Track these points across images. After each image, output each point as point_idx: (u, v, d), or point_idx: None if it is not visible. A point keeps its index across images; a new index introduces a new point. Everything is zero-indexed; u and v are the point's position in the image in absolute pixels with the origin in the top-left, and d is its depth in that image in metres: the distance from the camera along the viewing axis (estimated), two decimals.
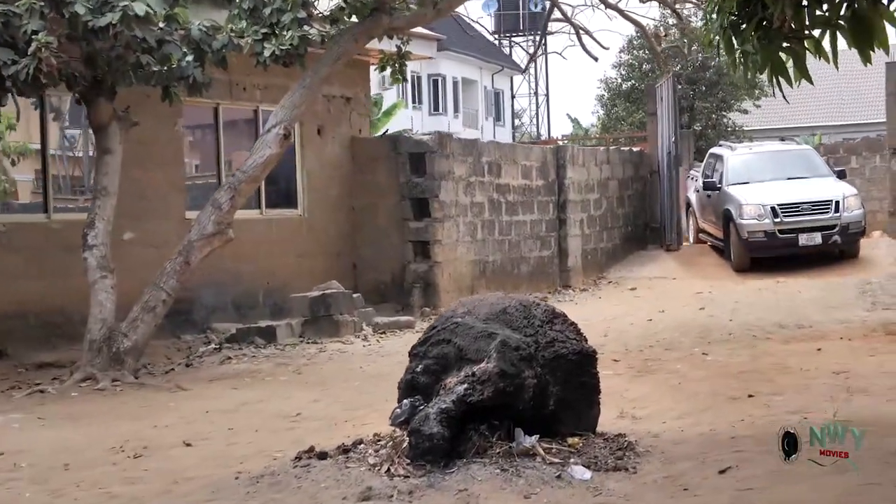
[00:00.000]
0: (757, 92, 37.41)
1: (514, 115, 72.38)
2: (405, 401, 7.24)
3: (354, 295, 14.84)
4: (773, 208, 19.80)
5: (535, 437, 6.96)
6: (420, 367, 7.42)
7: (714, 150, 23.53)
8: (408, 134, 17.58)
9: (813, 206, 19.89)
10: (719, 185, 21.21)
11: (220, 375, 11.75)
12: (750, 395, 9.13)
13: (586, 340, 7.69)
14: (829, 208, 19.86)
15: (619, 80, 38.63)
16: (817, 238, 19.71)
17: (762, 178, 20.98)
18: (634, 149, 24.97)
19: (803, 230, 19.75)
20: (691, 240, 23.94)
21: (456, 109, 65.93)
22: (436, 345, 7.43)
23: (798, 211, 19.85)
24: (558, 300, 18.36)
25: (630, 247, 23.04)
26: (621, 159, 22.91)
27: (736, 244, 20.26)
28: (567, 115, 77.96)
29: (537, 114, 70.59)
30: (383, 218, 16.87)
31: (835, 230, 19.75)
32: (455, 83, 65.17)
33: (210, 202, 11.84)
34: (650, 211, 23.78)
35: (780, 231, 19.78)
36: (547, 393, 7.25)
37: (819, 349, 11.65)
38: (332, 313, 14.21)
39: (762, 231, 19.84)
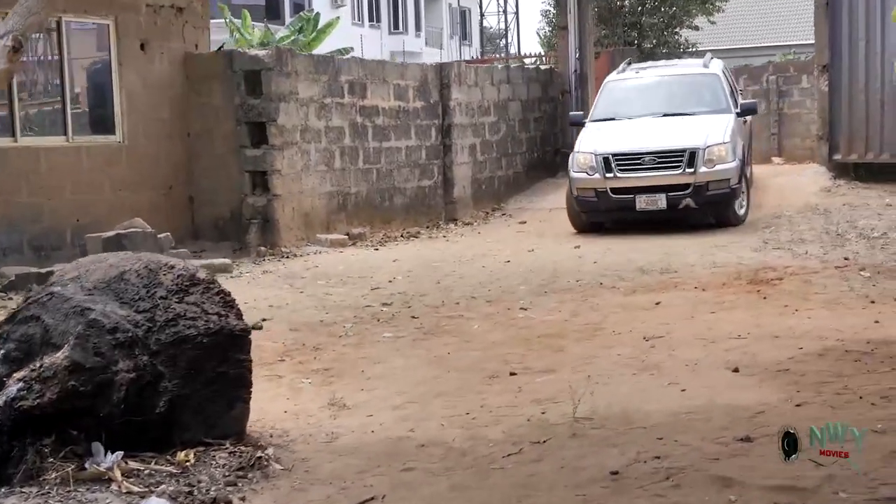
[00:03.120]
0: (710, 7, 35.23)
1: (483, 33, 69.98)
2: None
3: (161, 235, 12.88)
4: (605, 159, 14.88)
5: (117, 455, 5.08)
6: (0, 352, 5.53)
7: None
8: (242, 49, 15.49)
9: (658, 157, 14.82)
10: (584, 121, 16.59)
11: None
12: (512, 374, 7.25)
13: (239, 315, 5.77)
14: (679, 161, 14.70)
15: None
16: (661, 201, 14.67)
17: (634, 112, 16.16)
18: (543, 66, 22.85)
19: (642, 190, 14.78)
20: None
21: (418, 28, 63.53)
22: (23, 323, 5.54)
23: (638, 163, 14.84)
24: (432, 235, 16.48)
25: (537, 174, 21.05)
26: (526, 78, 20.81)
27: (569, 201, 15.69)
28: (537, 32, 75.26)
29: (506, 32, 68.31)
30: (220, 145, 14.86)
31: (687, 191, 14.68)
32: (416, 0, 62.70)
33: None
34: (562, 135, 21.74)
35: (614, 190, 14.89)
36: (157, 390, 5.35)
37: (658, 303, 9.76)
38: None
39: (592, 189, 15.04)
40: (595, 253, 13.30)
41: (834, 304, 9.18)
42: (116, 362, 5.23)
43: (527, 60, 32.77)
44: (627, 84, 17.05)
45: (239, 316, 5.78)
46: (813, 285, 10.15)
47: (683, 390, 6.47)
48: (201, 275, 5.79)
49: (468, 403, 6.50)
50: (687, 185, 14.72)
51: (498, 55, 52.42)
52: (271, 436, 5.84)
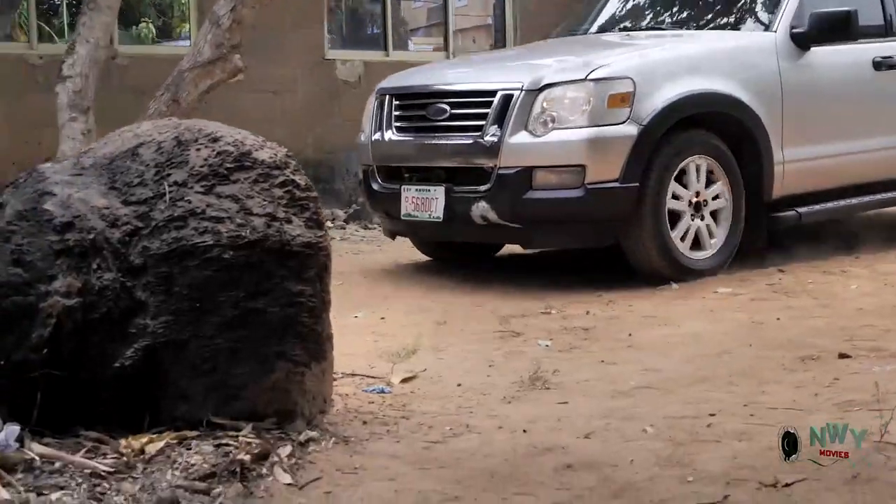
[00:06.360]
0: None
1: None
2: None
3: None
4: (380, 103, 7.11)
5: (7, 433, 3.09)
6: None
7: None
8: None
9: (454, 107, 6.67)
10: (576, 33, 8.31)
11: None
12: (843, 356, 4.49)
13: (313, 223, 3.59)
14: (480, 119, 6.46)
15: None
16: (437, 203, 6.54)
17: (612, 24, 8.13)
18: None
19: (412, 174, 6.92)
20: None
21: None
22: None
23: (421, 117, 6.88)
24: None
25: None
26: None
27: None
28: None
29: None
30: None
31: (487, 186, 6.37)
32: None
33: (208, 18, 8.39)
34: None
35: (383, 171, 7.08)
36: (125, 330, 3.34)
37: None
38: None
39: (363, 166, 7.41)
40: None
41: None
42: (51, 279, 3.22)
43: None
44: None
45: (313, 224, 3.56)
46: None
47: None
48: (263, 155, 3.61)
49: (734, 398, 3.89)
50: (484, 173, 6.44)
51: None
52: (354, 418, 3.61)
